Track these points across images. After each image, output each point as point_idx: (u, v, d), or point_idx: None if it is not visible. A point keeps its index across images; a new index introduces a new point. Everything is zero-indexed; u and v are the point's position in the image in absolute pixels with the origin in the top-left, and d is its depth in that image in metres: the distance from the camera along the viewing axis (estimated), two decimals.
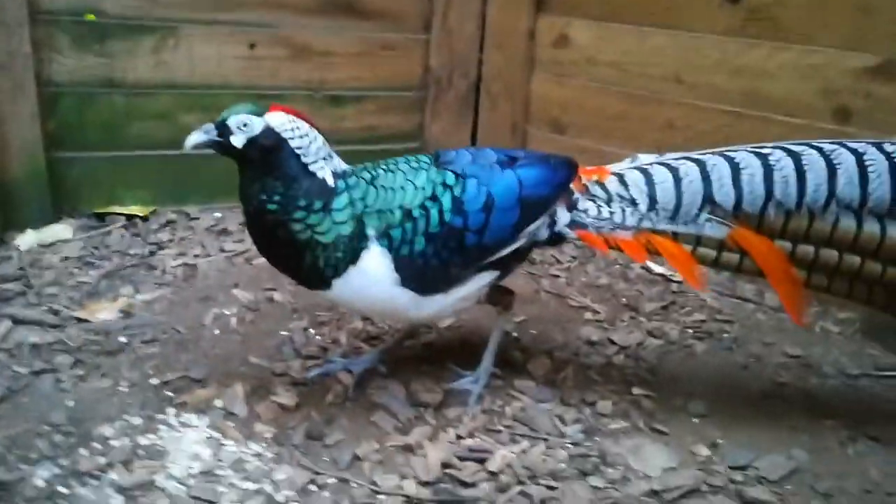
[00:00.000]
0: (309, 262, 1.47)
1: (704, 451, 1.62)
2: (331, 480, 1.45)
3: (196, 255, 2.33)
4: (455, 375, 1.79)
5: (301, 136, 1.44)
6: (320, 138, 1.48)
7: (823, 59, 2.19)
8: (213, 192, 2.68)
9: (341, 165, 1.52)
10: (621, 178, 1.63)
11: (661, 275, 2.47)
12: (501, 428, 1.64)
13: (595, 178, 1.65)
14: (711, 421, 1.73)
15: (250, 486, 1.41)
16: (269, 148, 1.42)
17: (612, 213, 1.61)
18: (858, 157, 1.50)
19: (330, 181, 1.47)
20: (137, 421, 1.57)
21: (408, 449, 1.54)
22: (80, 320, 1.92)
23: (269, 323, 2.02)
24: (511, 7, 2.89)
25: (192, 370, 1.75)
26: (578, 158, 1.71)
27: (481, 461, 1.51)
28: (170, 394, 1.67)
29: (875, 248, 1.51)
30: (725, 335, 2.14)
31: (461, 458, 1.51)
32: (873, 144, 1.52)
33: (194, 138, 1.45)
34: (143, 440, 1.51)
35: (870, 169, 1.48)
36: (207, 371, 1.76)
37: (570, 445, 1.60)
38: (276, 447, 1.53)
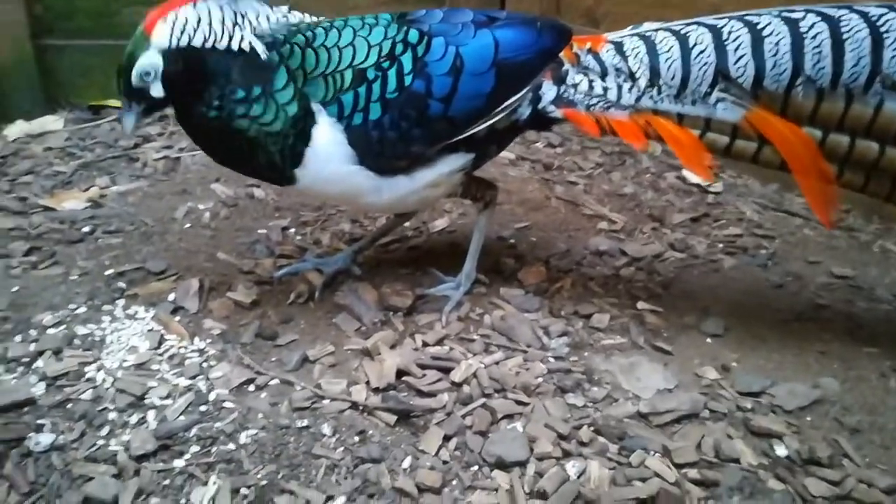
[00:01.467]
0: (266, 160, 1.30)
1: (712, 374, 1.39)
2: (273, 382, 1.31)
3: (181, 149, 2.19)
4: (437, 281, 1.61)
5: (199, 27, 1.24)
6: (215, 2, 1.26)
7: None
8: None
9: (266, 24, 1.30)
10: (619, 47, 1.37)
11: (698, 185, 2.18)
12: (476, 337, 1.45)
13: (588, 46, 1.39)
14: (727, 342, 1.50)
15: (182, 381, 1.29)
16: (187, 67, 1.24)
17: (606, 88, 1.36)
18: None
19: (261, 52, 1.27)
20: (81, 310, 1.47)
21: (365, 353, 1.38)
22: (46, 208, 1.83)
23: (246, 220, 1.87)
24: None
25: (150, 262, 1.63)
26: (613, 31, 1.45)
27: (446, 370, 1.34)
28: (122, 285, 1.56)
29: None
30: (763, 251, 1.86)
31: (422, 366, 1.34)
32: None
33: (129, 122, 1.30)
34: (81, 329, 1.41)
35: None
36: (167, 264, 1.63)
37: (551, 359, 1.40)
38: (222, 344, 1.40)
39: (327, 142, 1.29)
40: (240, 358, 1.36)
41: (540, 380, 1.34)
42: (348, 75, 1.28)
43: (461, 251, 1.68)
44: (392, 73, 1.29)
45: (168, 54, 1.23)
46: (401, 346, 1.40)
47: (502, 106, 1.36)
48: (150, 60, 1.23)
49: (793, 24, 1.26)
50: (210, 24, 1.25)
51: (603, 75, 1.38)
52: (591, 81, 1.38)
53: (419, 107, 1.30)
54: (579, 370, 1.37)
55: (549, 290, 1.61)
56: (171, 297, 1.51)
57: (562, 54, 1.40)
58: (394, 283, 1.59)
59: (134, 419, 1.22)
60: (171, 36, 1.23)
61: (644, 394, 1.33)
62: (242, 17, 1.28)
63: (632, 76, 1.35)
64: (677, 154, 1.37)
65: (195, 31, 1.24)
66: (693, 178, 2.20)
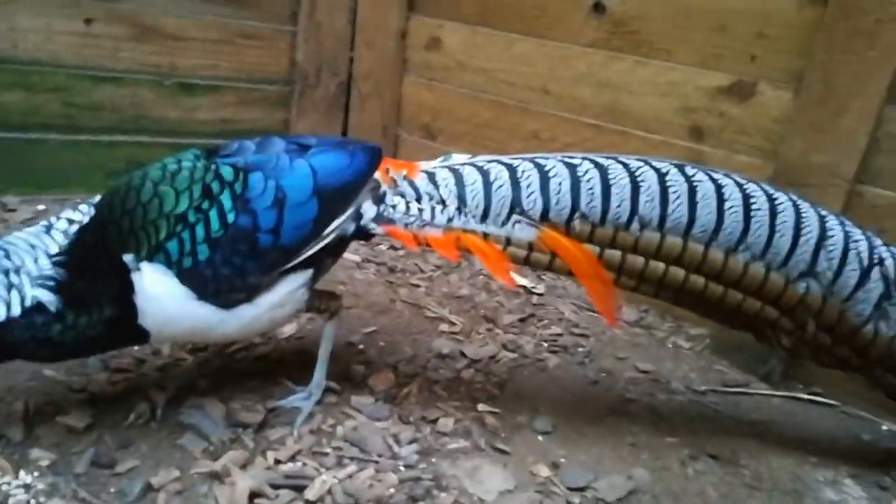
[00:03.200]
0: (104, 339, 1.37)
1: (545, 472, 1.54)
2: None
3: None
4: (288, 391, 1.63)
5: None
6: None
7: (681, 76, 2.21)
8: (39, 182, 2.39)
9: (46, 261, 1.30)
10: (431, 177, 1.53)
11: (524, 287, 2.41)
12: (329, 450, 1.49)
13: (404, 173, 1.55)
14: (556, 439, 1.66)
15: None
16: None
17: (421, 210, 1.51)
18: (661, 177, 1.47)
19: (48, 302, 1.28)
20: None
21: (214, 476, 1.35)
22: None
23: None
24: (382, 4, 2.77)
25: None
26: (424, 161, 1.61)
27: (299, 489, 1.36)
28: None
29: (677, 257, 1.49)
30: (580, 349, 2.10)
31: (275, 486, 1.35)
32: (676, 166, 1.50)
33: None
34: None
35: (671, 190, 1.46)
36: None
37: (402, 468, 1.47)
38: (52, 477, 1.30)
39: (157, 287, 1.31)
40: (74, 492, 1.27)
41: (392, 490, 1.40)
42: (163, 224, 1.31)
43: (311, 358, 1.72)
44: (213, 214, 1.33)
45: None
46: (252, 466, 1.40)
47: (329, 228, 1.45)
48: None
49: (572, 169, 1.49)
50: None
51: (418, 199, 1.52)
52: (407, 203, 1.52)
53: (249, 241, 1.35)
54: (428, 477, 1.46)
55: (398, 395, 1.70)
56: None
57: (379, 177, 1.53)
58: (243, 397, 1.59)
59: None
60: None
61: (488, 496, 1.44)
62: (17, 271, 1.28)
63: (443, 202, 1.51)
64: (484, 264, 1.55)
65: None
66: (519, 280, 2.44)
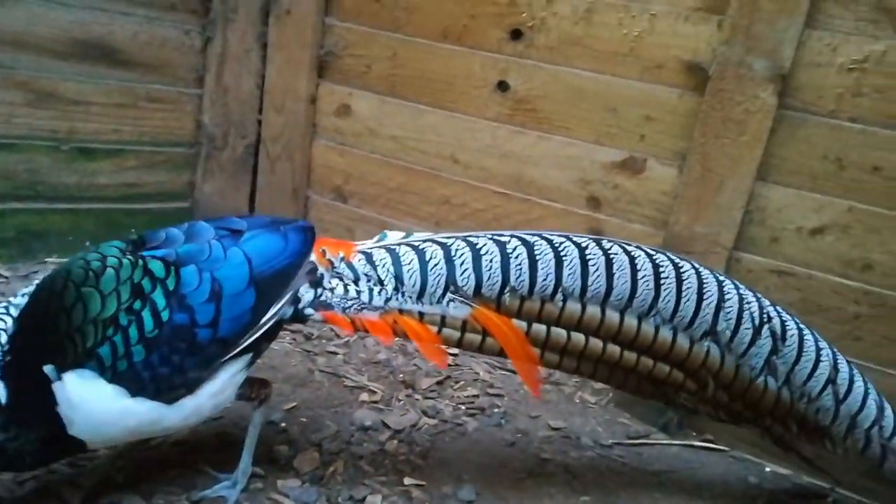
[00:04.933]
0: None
1: None
2: None
3: None
4: (210, 479, 1.60)
5: None
6: None
7: (579, 150, 2.40)
8: None
9: None
10: (369, 258, 1.58)
11: None
12: None
13: (341, 254, 1.59)
14: None
15: None
16: None
17: (359, 291, 1.55)
18: (581, 250, 1.59)
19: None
20: None
21: None
22: None
23: None
24: (291, 70, 2.81)
25: None
26: (361, 228, 1.66)
27: None
28: None
29: (596, 327, 1.61)
30: (496, 409, 2.19)
31: None
32: (593, 240, 1.63)
33: None
34: None
35: (590, 263, 1.58)
36: None
37: None
38: None
39: (84, 394, 1.27)
40: None
41: None
42: (89, 330, 1.28)
43: (232, 441, 1.71)
44: (146, 313, 1.31)
45: None
46: None
47: (268, 315, 1.46)
48: None
49: (502, 246, 1.59)
50: None
51: (356, 280, 1.57)
52: (346, 286, 1.56)
53: (187, 337, 1.34)
54: None
55: (325, 475, 1.71)
56: None
57: (315, 259, 1.56)
58: (164, 489, 1.55)
59: None
60: None
61: None
62: None
63: (380, 282, 1.56)
64: (419, 347, 1.61)
65: None
66: None
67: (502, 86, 2.49)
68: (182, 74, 2.70)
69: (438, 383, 2.27)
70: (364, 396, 2.11)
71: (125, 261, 1.34)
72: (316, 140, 2.88)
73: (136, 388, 1.30)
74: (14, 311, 1.31)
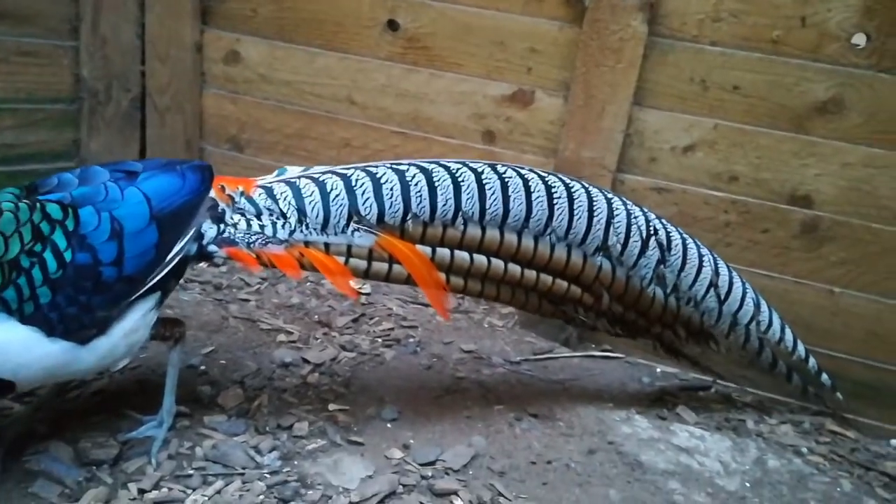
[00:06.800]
0: None
1: (398, 454, 1.71)
2: None
3: None
4: (134, 423, 1.62)
5: None
6: None
7: (471, 86, 2.48)
8: None
9: None
10: (269, 191, 1.61)
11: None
12: (192, 471, 1.52)
13: (241, 189, 1.61)
14: (402, 423, 1.84)
15: None
16: None
17: (262, 226, 1.58)
18: (478, 175, 1.68)
19: None
20: None
21: None
22: None
23: None
24: (172, 18, 2.70)
25: None
26: (260, 177, 1.68)
27: None
28: None
29: (496, 249, 1.71)
30: (411, 340, 2.29)
31: None
32: (489, 165, 1.72)
33: None
34: None
35: (487, 186, 1.67)
36: None
37: (267, 475, 1.56)
38: None
39: (1, 336, 1.27)
40: None
41: (262, 497, 1.49)
42: None
43: (152, 387, 1.73)
44: (49, 255, 1.31)
45: None
46: (116, 500, 1.40)
47: (172, 252, 1.48)
48: None
49: (401, 174, 1.65)
50: None
51: (258, 215, 1.59)
52: (248, 220, 1.58)
53: (92, 276, 1.35)
54: (293, 479, 1.56)
55: (251, 409, 1.76)
56: None
57: (215, 195, 1.58)
58: (89, 435, 1.55)
59: None
60: None
61: (351, 485, 1.58)
62: None
63: (283, 215, 1.59)
64: (328, 279, 1.66)
65: None
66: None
67: (392, 24, 2.52)
68: (55, 25, 2.55)
69: (354, 321, 2.35)
70: (281, 337, 2.15)
71: (21, 205, 1.32)
72: (206, 89, 2.81)
73: (48, 328, 1.30)
74: None
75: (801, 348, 2.01)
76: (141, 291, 1.43)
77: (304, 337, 2.18)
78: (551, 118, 2.42)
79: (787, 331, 1.99)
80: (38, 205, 1.33)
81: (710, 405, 2.15)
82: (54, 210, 1.33)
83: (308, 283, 2.55)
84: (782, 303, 2.13)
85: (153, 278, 1.44)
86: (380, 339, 2.26)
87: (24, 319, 1.27)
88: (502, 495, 1.63)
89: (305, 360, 2.04)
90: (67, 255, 1.31)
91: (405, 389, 2.00)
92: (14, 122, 2.51)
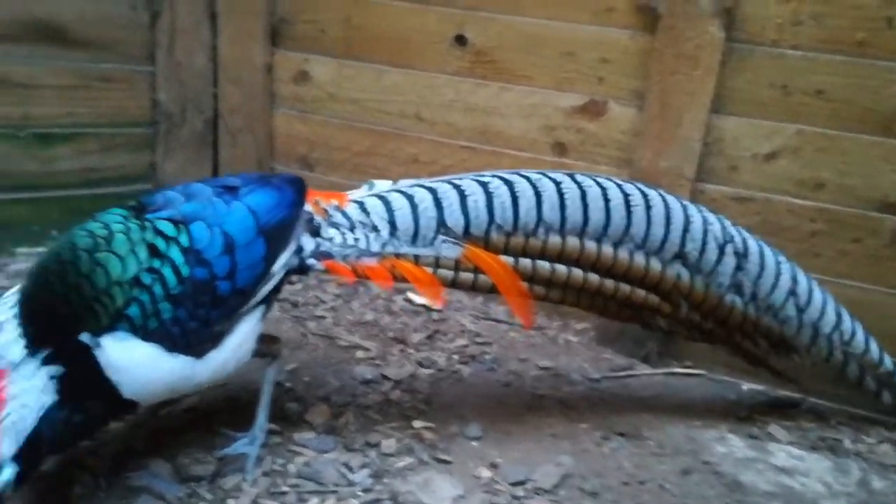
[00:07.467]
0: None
1: (486, 473, 1.68)
2: None
3: None
4: (228, 439, 1.63)
5: (8, 420, 1.20)
6: None
7: (541, 98, 2.46)
8: None
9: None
10: (362, 206, 1.64)
11: (423, 305, 2.54)
12: (287, 488, 1.52)
13: (335, 203, 1.63)
14: (487, 442, 1.81)
15: None
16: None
17: (356, 239, 1.60)
18: (557, 185, 1.68)
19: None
20: None
21: None
22: None
23: None
24: (243, 41, 2.77)
25: None
26: (351, 191, 1.70)
27: None
28: None
29: (576, 258, 1.70)
30: (486, 356, 2.27)
31: None
32: (568, 175, 1.72)
33: None
34: None
35: (566, 196, 1.67)
36: None
37: (360, 493, 1.54)
38: None
39: (125, 356, 1.29)
40: None
41: None
42: (116, 291, 1.29)
43: (242, 404, 1.74)
44: (167, 270, 1.33)
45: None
46: None
47: (278, 264, 1.51)
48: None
49: (484, 186, 1.66)
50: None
51: (352, 228, 1.62)
52: (343, 234, 1.61)
53: (209, 290, 1.37)
54: (386, 497, 1.54)
55: (337, 426, 1.76)
56: None
57: (310, 209, 1.60)
58: (186, 451, 1.57)
59: None
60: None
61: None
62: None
63: (375, 229, 1.62)
64: (419, 289, 1.68)
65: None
66: (417, 299, 2.56)
67: (460, 39, 2.52)
68: (133, 52, 2.63)
69: (428, 337, 2.33)
70: (360, 354, 2.15)
71: (131, 224, 1.35)
72: (276, 109, 2.86)
73: (169, 344, 1.31)
74: (7, 311, 1.29)
75: (888, 361, 1.92)
76: (251, 304, 1.44)
77: (381, 353, 2.17)
78: (624, 128, 2.37)
79: (872, 342, 1.90)
80: (147, 223, 1.36)
81: (801, 423, 2.06)
82: (167, 227, 1.36)
83: (380, 301, 2.55)
84: (875, 315, 2.03)
85: (261, 290, 1.46)
86: (455, 356, 2.24)
87: (147, 336, 1.29)
88: None
89: (385, 377, 2.03)
90: (185, 271, 1.33)
91: (486, 407, 1.98)
92: (97, 147, 2.60)
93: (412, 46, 2.60)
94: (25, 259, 2.42)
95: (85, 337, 1.25)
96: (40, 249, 2.47)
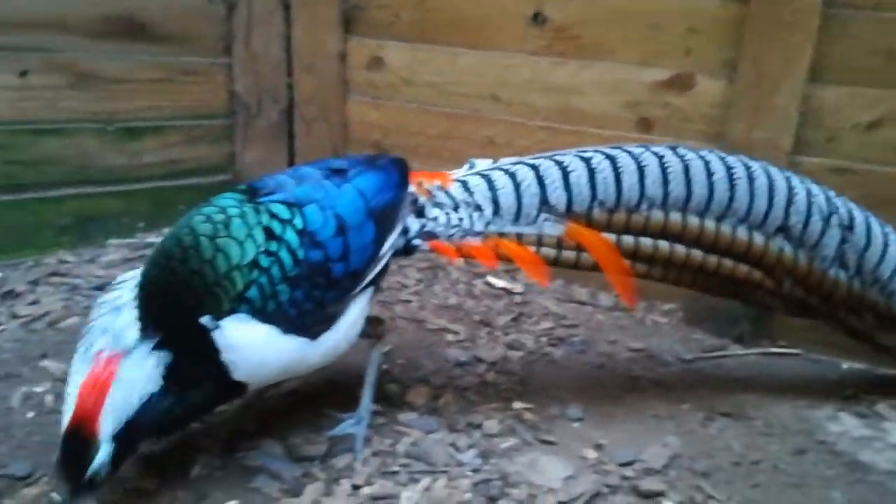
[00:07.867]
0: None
1: (592, 454, 1.64)
2: None
3: None
4: (334, 420, 1.63)
5: (114, 401, 1.22)
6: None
7: (624, 73, 2.40)
8: None
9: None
10: (465, 185, 1.62)
11: (504, 288, 2.51)
12: (398, 468, 1.52)
13: (438, 183, 1.62)
14: (589, 423, 1.77)
15: None
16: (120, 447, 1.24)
17: (461, 219, 1.58)
18: (659, 159, 1.63)
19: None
20: None
21: None
22: None
23: None
24: (317, 29, 2.78)
25: (11, 466, 1.40)
26: (453, 170, 1.69)
27: None
28: None
29: (679, 233, 1.65)
30: (575, 339, 2.22)
31: None
32: (670, 148, 1.66)
33: None
34: None
35: (669, 170, 1.62)
36: (31, 464, 1.41)
37: (470, 473, 1.53)
38: None
39: (243, 338, 1.30)
40: None
41: (469, 495, 1.46)
42: (237, 276, 1.29)
43: (343, 387, 1.74)
44: (284, 253, 1.33)
45: (101, 446, 1.23)
46: (335, 496, 1.41)
47: (387, 245, 1.50)
48: (90, 453, 1.21)
49: (587, 161, 1.63)
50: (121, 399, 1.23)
51: (455, 208, 1.60)
52: (447, 214, 1.59)
53: (324, 272, 1.37)
54: (496, 477, 1.52)
55: (438, 407, 1.74)
56: (56, 496, 1.31)
57: (414, 189, 1.59)
58: (296, 432, 1.58)
59: None
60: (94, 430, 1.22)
61: (555, 485, 1.52)
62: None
63: (479, 208, 1.60)
64: (523, 268, 1.65)
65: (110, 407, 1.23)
66: (498, 283, 2.53)
67: (538, 17, 2.47)
68: (211, 44, 2.67)
69: (513, 320, 2.30)
70: (449, 337, 2.14)
71: (246, 209, 1.35)
72: (349, 97, 2.86)
73: (286, 325, 1.32)
74: (129, 294, 1.31)
75: None
76: (362, 286, 1.44)
77: (470, 336, 2.15)
78: (712, 101, 2.29)
79: None
80: (262, 207, 1.36)
81: None
82: (281, 210, 1.36)
83: (461, 285, 2.53)
84: None
85: (372, 272, 1.46)
86: (543, 339, 2.20)
87: (265, 318, 1.30)
88: (713, 497, 1.53)
89: (479, 359, 2.01)
90: (300, 253, 1.33)
91: (582, 388, 1.94)
92: (179, 139, 2.65)
93: (488, 27, 2.57)
94: (116, 250, 2.49)
95: (205, 320, 1.27)
96: (130, 241, 2.54)
